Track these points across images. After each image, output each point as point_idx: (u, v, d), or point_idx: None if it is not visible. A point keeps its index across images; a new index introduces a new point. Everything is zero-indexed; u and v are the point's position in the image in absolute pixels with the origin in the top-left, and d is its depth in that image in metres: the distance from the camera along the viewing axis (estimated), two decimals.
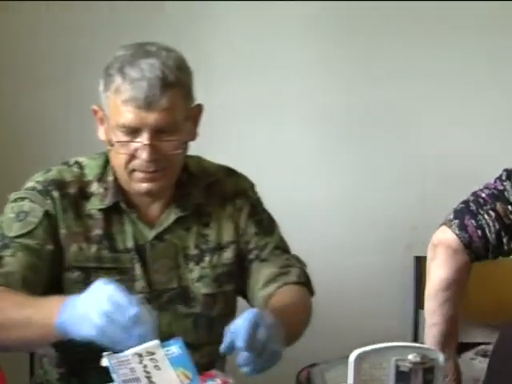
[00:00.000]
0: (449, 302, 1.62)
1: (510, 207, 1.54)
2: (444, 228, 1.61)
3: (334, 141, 2.79)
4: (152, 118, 1.51)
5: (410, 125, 2.78)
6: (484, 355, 2.61)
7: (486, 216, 1.56)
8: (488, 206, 1.56)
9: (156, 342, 1.29)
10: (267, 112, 2.76)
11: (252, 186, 1.78)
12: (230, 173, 1.76)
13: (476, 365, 2.56)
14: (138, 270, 1.63)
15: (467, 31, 2.75)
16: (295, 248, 1.77)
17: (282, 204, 2.54)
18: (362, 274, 2.77)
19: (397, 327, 2.70)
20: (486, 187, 1.61)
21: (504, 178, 1.60)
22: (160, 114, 1.51)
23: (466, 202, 1.61)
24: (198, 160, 1.74)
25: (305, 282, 1.70)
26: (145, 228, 1.64)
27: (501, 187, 1.58)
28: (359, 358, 1.35)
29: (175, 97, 1.53)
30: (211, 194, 1.69)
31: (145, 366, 1.27)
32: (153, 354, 1.28)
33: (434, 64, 2.75)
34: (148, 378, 1.26)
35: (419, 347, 1.42)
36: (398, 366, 1.39)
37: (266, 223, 1.74)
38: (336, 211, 2.79)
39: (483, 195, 1.59)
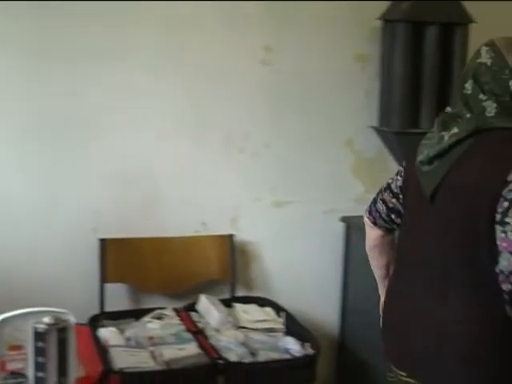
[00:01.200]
0: (375, 259, 2.15)
1: (391, 195, 1.98)
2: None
3: (31, 145, 3.04)
4: None
5: (98, 131, 3.09)
6: (158, 318, 3.04)
7: (378, 203, 2.03)
8: (381, 195, 2.02)
9: None
10: None
11: None
12: None
13: (151, 326, 2.96)
14: None
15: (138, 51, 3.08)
16: None
17: None
18: (55, 255, 3.09)
19: (84, 299, 3.06)
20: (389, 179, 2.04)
21: (396, 172, 1.99)
22: None
23: (376, 193, 2.07)
24: None
25: None
26: None
27: (390, 180, 2.00)
28: (2, 322, 1.64)
29: None
30: None
31: None
32: None
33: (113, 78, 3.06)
34: None
35: (53, 311, 1.73)
36: (35, 328, 1.70)
37: None
38: (33, 207, 3.06)
39: (382, 187, 2.03)
